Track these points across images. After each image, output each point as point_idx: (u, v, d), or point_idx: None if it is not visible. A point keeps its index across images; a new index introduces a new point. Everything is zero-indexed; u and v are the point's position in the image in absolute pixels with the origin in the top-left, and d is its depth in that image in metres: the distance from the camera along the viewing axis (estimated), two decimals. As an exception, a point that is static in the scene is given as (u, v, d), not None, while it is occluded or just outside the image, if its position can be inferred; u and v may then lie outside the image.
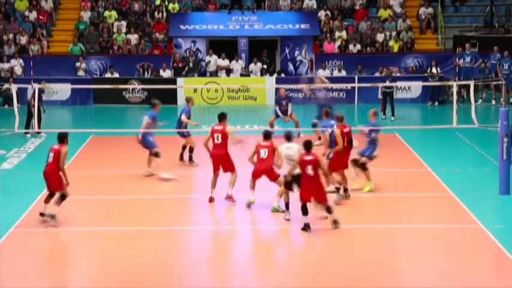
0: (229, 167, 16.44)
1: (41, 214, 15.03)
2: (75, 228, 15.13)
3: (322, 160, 15.15)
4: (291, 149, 15.36)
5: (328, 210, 14.65)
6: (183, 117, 19.40)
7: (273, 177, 15.79)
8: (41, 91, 22.43)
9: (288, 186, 15.23)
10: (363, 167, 17.01)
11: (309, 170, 14.38)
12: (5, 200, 16.62)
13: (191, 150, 19.64)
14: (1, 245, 14.18)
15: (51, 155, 15.07)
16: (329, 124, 17.39)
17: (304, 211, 14.52)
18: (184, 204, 17.06)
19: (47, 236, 14.80)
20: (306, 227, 14.55)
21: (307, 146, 14.58)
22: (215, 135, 16.43)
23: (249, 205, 15.98)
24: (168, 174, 18.23)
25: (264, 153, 15.62)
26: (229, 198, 16.33)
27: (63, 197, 15.02)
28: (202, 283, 12.60)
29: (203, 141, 16.86)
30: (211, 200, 16.36)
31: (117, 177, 18.62)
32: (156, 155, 18.21)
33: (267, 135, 15.85)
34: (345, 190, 16.49)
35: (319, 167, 14.46)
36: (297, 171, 14.78)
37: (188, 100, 19.99)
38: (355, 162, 17.02)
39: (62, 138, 15.20)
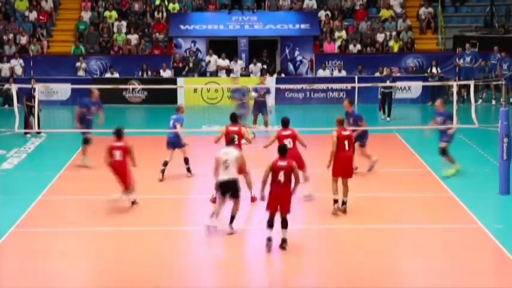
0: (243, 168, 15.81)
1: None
2: (75, 228, 15.13)
3: (296, 168, 13.75)
4: (228, 155, 14.43)
5: (284, 223, 13.66)
6: (179, 127, 18.40)
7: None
8: (31, 89, 22.42)
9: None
10: (444, 152, 18.09)
11: (281, 177, 13.50)
12: (5, 200, 16.63)
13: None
14: (1, 245, 14.18)
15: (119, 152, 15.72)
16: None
17: (270, 223, 13.56)
18: (184, 204, 17.06)
19: (47, 236, 14.81)
20: (268, 242, 13.52)
21: (282, 150, 13.68)
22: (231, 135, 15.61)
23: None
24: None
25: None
26: (253, 200, 16.28)
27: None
28: (202, 283, 12.61)
29: (214, 139, 16.84)
30: (213, 201, 16.17)
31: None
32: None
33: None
34: (343, 203, 15.56)
35: (292, 173, 13.52)
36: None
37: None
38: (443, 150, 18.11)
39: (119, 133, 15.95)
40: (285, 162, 13.52)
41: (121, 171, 15.72)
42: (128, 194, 15.90)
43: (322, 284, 12.51)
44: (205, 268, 13.25)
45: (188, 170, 18.80)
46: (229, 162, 14.31)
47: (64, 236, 14.84)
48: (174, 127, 18.36)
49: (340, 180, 15.51)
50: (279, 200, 13.54)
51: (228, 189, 14.31)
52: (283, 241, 13.60)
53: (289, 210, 13.68)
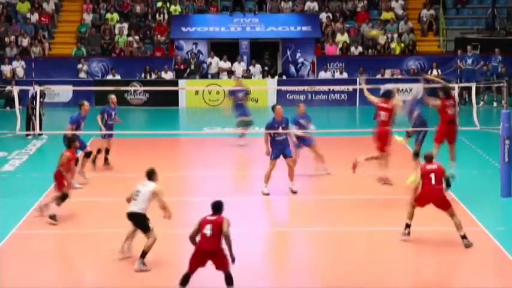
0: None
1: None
2: (76, 230, 15.13)
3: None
4: (146, 187, 13.25)
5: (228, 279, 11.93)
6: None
7: None
8: (41, 94, 22.47)
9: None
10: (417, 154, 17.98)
11: (207, 230, 11.70)
12: (7, 202, 16.64)
13: (107, 152, 19.63)
14: (2, 247, 14.18)
15: None
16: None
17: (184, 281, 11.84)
18: (184, 205, 17.06)
19: (48, 237, 14.81)
20: None
21: (216, 206, 11.88)
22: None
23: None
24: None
25: None
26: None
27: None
28: (202, 283, 12.60)
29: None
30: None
31: (117, 179, 18.60)
32: None
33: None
34: (463, 237, 14.01)
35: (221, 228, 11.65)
36: None
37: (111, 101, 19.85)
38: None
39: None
40: (214, 217, 11.80)
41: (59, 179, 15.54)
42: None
43: (322, 284, 12.51)
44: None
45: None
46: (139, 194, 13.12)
47: (65, 237, 14.84)
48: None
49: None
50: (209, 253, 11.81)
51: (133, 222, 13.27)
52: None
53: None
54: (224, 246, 11.67)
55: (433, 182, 13.95)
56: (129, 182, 18.24)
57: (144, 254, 12.96)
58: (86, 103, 18.69)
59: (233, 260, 11.70)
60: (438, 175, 14.01)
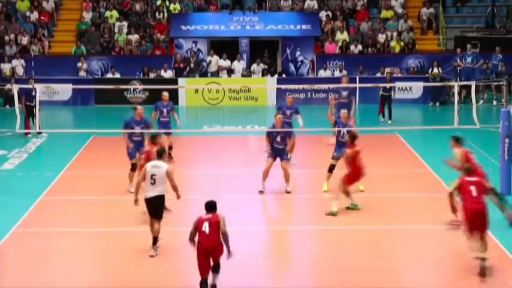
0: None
1: None
2: (76, 229, 15.14)
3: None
4: (158, 168, 13.40)
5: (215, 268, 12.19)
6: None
7: None
8: (31, 90, 22.46)
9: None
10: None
11: (205, 228, 11.90)
12: (6, 201, 16.64)
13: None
14: (2, 245, 14.19)
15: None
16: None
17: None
18: (183, 204, 17.05)
19: (48, 236, 14.81)
20: None
21: (210, 206, 12.10)
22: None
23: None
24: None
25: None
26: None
27: None
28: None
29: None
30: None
31: (118, 177, 18.60)
32: None
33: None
34: (483, 259, 12.77)
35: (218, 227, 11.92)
36: None
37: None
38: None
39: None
40: (209, 215, 12.01)
41: None
42: None
43: (321, 284, 12.51)
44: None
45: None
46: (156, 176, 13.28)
47: (65, 236, 14.84)
48: None
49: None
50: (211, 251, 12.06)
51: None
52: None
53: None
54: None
55: (474, 194, 12.76)
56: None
57: (156, 241, 13.39)
58: (138, 107, 17.92)
59: (229, 253, 11.96)
60: (479, 188, 12.86)
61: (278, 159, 17.19)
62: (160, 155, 13.63)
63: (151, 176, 13.35)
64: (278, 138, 17.16)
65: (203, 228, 11.89)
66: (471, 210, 12.63)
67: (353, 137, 16.04)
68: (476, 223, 12.61)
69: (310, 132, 22.05)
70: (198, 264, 11.97)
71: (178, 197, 13.64)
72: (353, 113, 21.33)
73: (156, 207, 13.47)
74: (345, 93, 22.01)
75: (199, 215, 12.04)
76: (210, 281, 12.01)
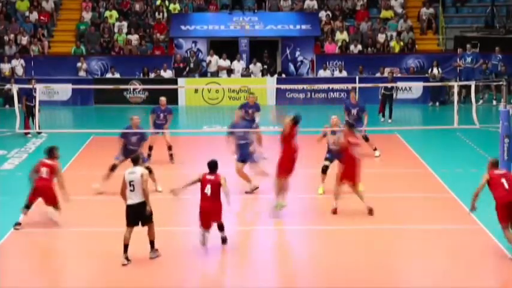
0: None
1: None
2: (76, 228, 15.13)
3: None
4: (134, 173, 13.32)
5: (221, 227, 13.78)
6: None
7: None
8: (32, 90, 22.50)
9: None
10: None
11: (208, 190, 13.41)
12: (6, 201, 16.65)
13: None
14: (2, 245, 14.19)
15: (45, 170, 15.04)
16: None
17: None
18: (183, 204, 17.05)
19: (48, 236, 14.81)
20: None
21: (212, 165, 13.63)
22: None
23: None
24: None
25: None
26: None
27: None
28: (203, 283, 12.61)
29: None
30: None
31: (117, 177, 18.58)
32: None
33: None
34: None
35: (220, 188, 13.39)
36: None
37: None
38: None
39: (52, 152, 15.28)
40: (212, 176, 13.66)
41: (46, 189, 15.37)
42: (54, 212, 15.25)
43: (322, 284, 12.51)
44: (205, 268, 13.25)
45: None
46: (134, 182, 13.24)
47: (65, 236, 14.84)
48: None
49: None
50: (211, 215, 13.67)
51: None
52: (223, 240, 13.95)
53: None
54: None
55: (506, 187, 12.92)
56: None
57: (153, 244, 13.45)
58: (134, 117, 17.98)
59: (229, 204, 13.48)
60: (509, 180, 13.02)
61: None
62: (135, 161, 13.59)
63: (130, 182, 13.23)
64: (240, 133, 17.65)
65: (205, 190, 13.40)
66: (507, 202, 12.89)
67: (351, 125, 16.18)
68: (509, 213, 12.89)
69: (310, 132, 22.05)
70: (200, 225, 13.58)
71: (149, 209, 13.24)
72: (364, 130, 20.24)
73: (141, 214, 13.26)
74: (354, 111, 20.41)
75: (204, 173, 13.53)
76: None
